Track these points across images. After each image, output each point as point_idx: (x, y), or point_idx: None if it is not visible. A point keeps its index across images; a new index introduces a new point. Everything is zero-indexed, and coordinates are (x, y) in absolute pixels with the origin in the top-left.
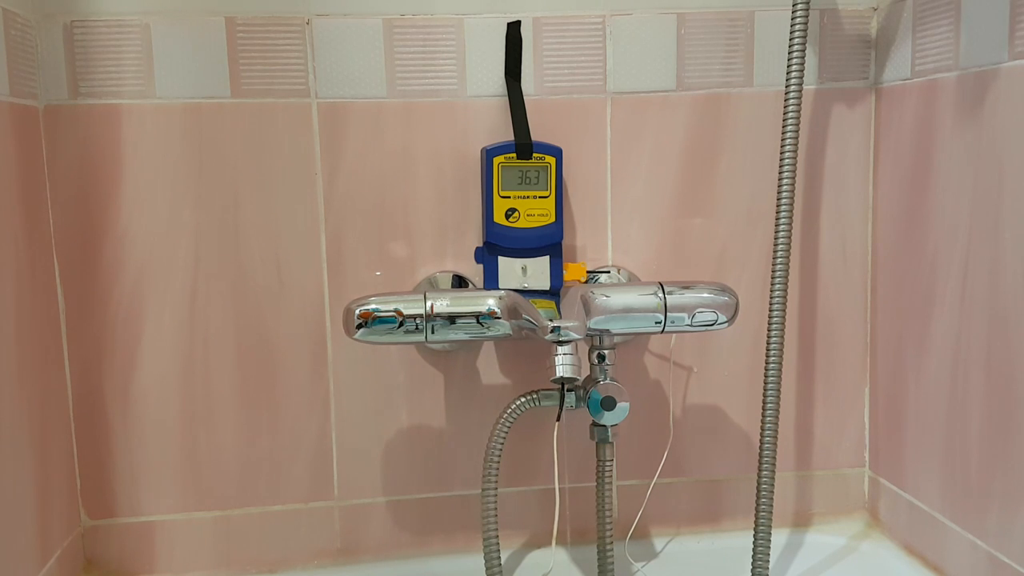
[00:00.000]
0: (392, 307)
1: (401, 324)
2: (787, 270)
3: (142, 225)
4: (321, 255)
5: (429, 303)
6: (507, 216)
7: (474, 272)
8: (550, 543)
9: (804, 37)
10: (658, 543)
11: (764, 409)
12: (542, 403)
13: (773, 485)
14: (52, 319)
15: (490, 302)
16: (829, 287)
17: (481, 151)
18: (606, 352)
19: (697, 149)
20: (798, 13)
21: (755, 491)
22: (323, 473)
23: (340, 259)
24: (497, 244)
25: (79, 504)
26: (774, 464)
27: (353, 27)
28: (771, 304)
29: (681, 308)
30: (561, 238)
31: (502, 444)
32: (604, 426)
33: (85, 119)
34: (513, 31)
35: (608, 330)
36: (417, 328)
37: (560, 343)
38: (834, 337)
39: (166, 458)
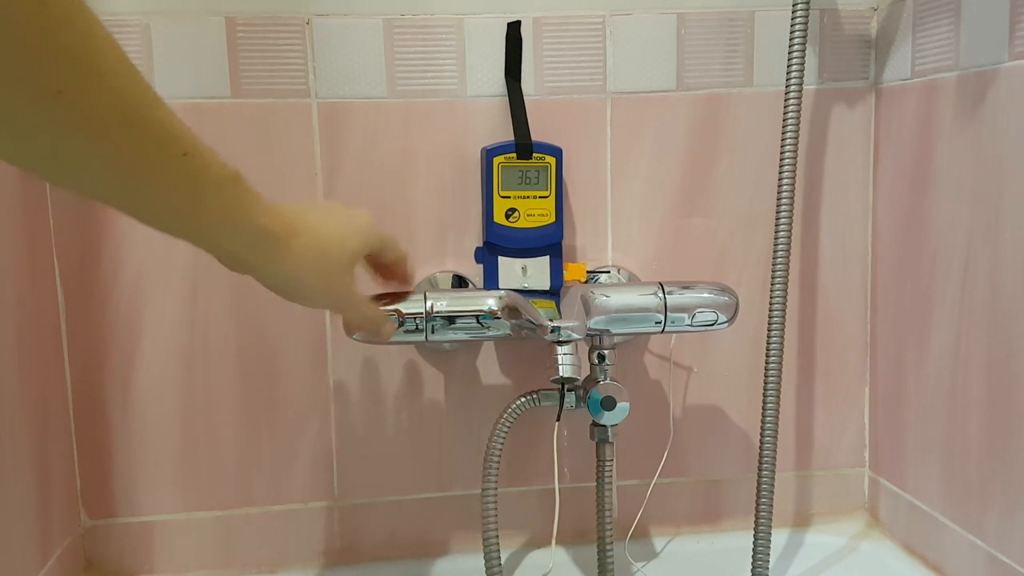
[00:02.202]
0: (392, 307)
1: (401, 324)
2: (787, 270)
3: (142, 225)
4: None
5: (429, 303)
6: (507, 216)
7: (474, 272)
8: (550, 543)
9: (804, 37)
10: (658, 543)
11: (764, 409)
12: (542, 403)
13: (773, 485)
14: (52, 319)
15: (490, 302)
16: (829, 287)
17: (481, 151)
18: (606, 352)
19: (697, 149)
20: (798, 13)
21: (755, 491)
22: (323, 473)
23: None
24: (497, 244)
25: (79, 504)
26: (774, 464)
27: (353, 27)
28: (771, 304)
29: (681, 308)
30: (561, 238)
31: (502, 444)
32: (604, 426)
33: None
34: (513, 31)
35: (608, 330)
36: (417, 328)
37: (560, 343)
38: (834, 337)
39: (166, 458)
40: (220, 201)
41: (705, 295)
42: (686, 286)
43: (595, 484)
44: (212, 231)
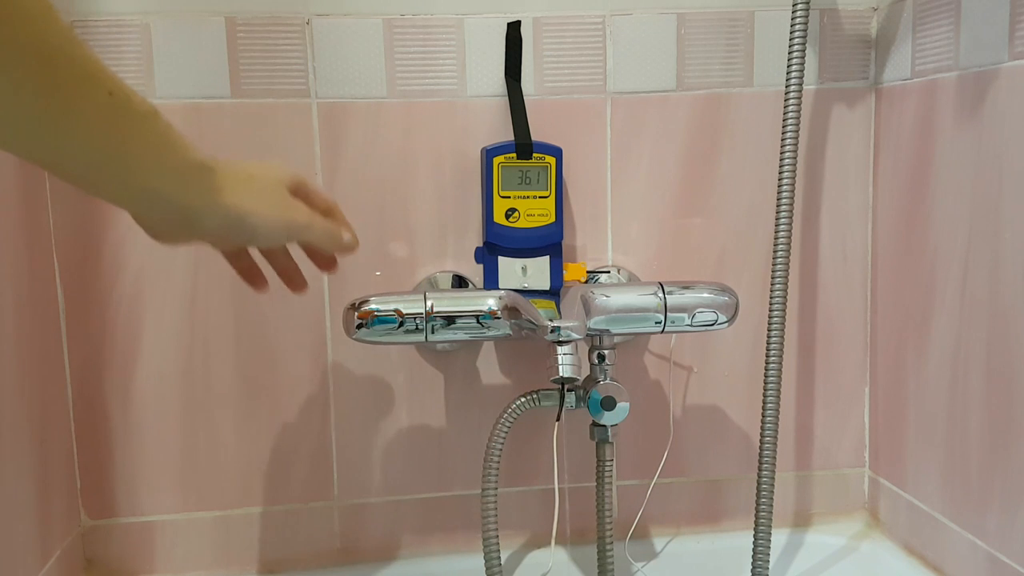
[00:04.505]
0: (392, 307)
1: (401, 324)
2: (787, 270)
3: None
4: None
5: (429, 303)
6: (507, 216)
7: (474, 272)
8: (550, 543)
9: (804, 37)
10: (658, 543)
11: (764, 409)
12: (542, 403)
13: (773, 485)
14: (52, 319)
15: (490, 302)
16: (829, 287)
17: (481, 151)
18: (606, 352)
19: (697, 149)
20: (798, 13)
21: (755, 491)
22: (323, 473)
23: (340, 259)
24: (497, 244)
25: (79, 504)
26: (774, 464)
27: (353, 27)
28: (771, 304)
29: (681, 308)
30: (561, 238)
31: (502, 444)
32: (604, 426)
33: None
34: (513, 31)
35: (608, 330)
36: (417, 328)
37: (560, 343)
38: (834, 337)
39: (166, 458)
40: (147, 137)
41: (705, 295)
42: (686, 286)
43: (595, 484)
44: (141, 171)
